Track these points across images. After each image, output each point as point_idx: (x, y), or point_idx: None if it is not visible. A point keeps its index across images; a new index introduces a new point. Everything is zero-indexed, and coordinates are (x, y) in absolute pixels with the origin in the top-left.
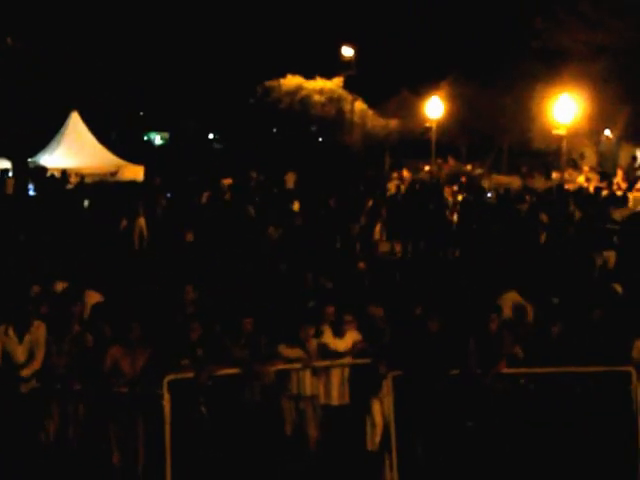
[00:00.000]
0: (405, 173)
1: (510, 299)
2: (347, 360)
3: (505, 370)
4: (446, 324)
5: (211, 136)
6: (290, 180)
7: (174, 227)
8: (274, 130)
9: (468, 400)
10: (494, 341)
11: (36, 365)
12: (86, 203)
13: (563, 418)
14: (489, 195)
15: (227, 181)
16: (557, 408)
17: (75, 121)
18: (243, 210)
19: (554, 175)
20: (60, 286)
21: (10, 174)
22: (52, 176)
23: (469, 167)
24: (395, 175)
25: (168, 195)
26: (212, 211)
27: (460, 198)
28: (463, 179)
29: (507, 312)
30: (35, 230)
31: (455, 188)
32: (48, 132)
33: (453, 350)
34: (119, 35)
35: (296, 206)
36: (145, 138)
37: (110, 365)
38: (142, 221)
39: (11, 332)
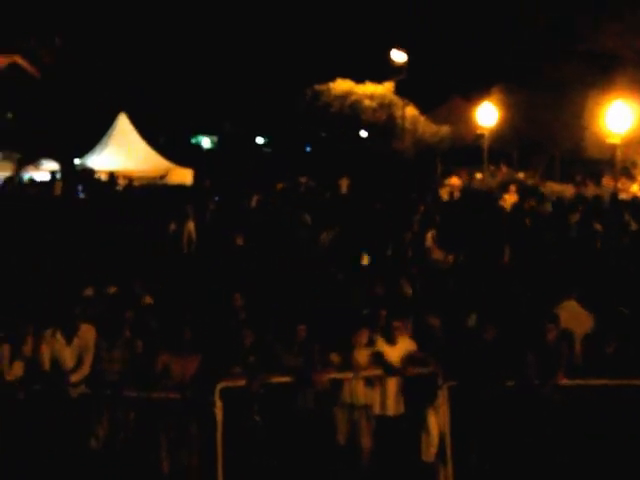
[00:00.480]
0: (455, 180)
1: (569, 308)
2: (401, 369)
3: (564, 382)
4: (502, 333)
5: (261, 141)
6: (344, 185)
7: (223, 231)
8: (323, 135)
9: (525, 411)
10: (552, 351)
11: (85, 370)
12: (134, 206)
13: (623, 431)
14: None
15: (279, 185)
16: (617, 421)
17: (123, 123)
18: (295, 215)
19: (605, 182)
20: (111, 290)
21: (58, 176)
22: (100, 179)
23: (522, 175)
24: (447, 182)
25: (217, 199)
26: (262, 215)
27: (516, 204)
28: (515, 187)
29: (565, 321)
30: (83, 232)
31: (511, 195)
32: (96, 134)
33: (510, 360)
34: (169, 37)
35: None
36: (193, 141)
37: (160, 371)
38: (191, 225)
39: (59, 335)
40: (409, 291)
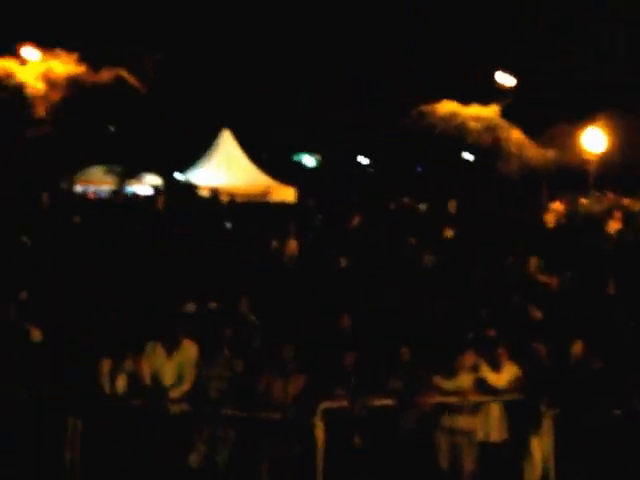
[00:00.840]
0: (559, 205)
1: None
2: (506, 396)
3: None
4: (607, 362)
5: (364, 160)
6: (452, 208)
7: (326, 250)
8: (427, 156)
9: (631, 440)
10: None
11: (185, 386)
12: (235, 222)
13: None
14: None
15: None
16: None
17: (227, 139)
18: (398, 236)
19: None
20: (212, 306)
21: (161, 190)
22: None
23: (627, 201)
24: (551, 206)
25: (320, 217)
26: (364, 235)
27: (620, 231)
28: (619, 213)
29: None
30: (186, 247)
31: (615, 221)
32: (199, 149)
33: (615, 388)
34: (274, 55)
35: (449, 233)
36: (295, 159)
37: (262, 391)
38: (293, 243)
39: (160, 350)
40: (538, 315)
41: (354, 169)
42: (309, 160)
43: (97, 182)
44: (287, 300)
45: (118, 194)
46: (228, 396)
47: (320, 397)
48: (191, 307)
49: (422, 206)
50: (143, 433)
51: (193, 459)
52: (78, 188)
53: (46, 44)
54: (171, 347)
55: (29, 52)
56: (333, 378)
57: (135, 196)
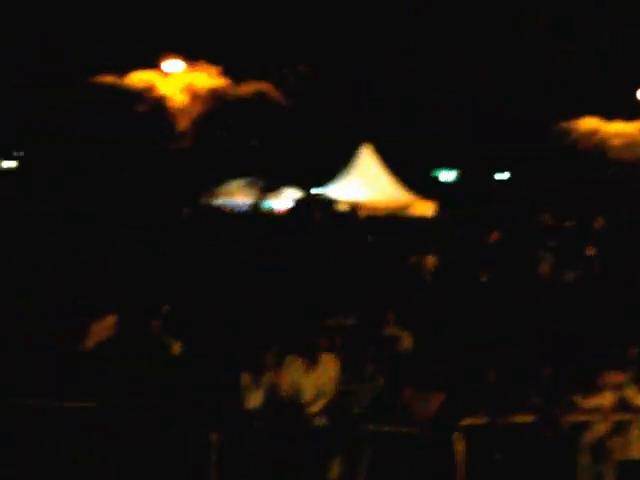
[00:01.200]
0: None
1: None
2: None
3: None
4: None
5: (502, 176)
6: (598, 224)
7: (467, 266)
8: (569, 172)
9: None
10: None
11: (324, 401)
12: (374, 237)
13: None
14: None
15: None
16: None
17: (366, 153)
18: (536, 252)
19: None
20: (352, 321)
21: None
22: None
23: None
24: None
25: (459, 233)
26: (502, 252)
27: None
28: None
29: None
30: (323, 261)
31: None
32: (338, 163)
33: None
34: (411, 72)
35: (590, 251)
36: (433, 174)
37: (403, 406)
38: (432, 258)
39: (300, 364)
40: None
41: (493, 184)
42: (448, 175)
43: (237, 195)
44: (427, 315)
45: (256, 207)
46: (369, 412)
47: (461, 413)
48: (331, 322)
49: (567, 223)
50: (282, 448)
51: (331, 474)
52: (218, 201)
53: (189, 56)
54: (311, 362)
55: (172, 64)
56: (474, 394)
57: (274, 210)
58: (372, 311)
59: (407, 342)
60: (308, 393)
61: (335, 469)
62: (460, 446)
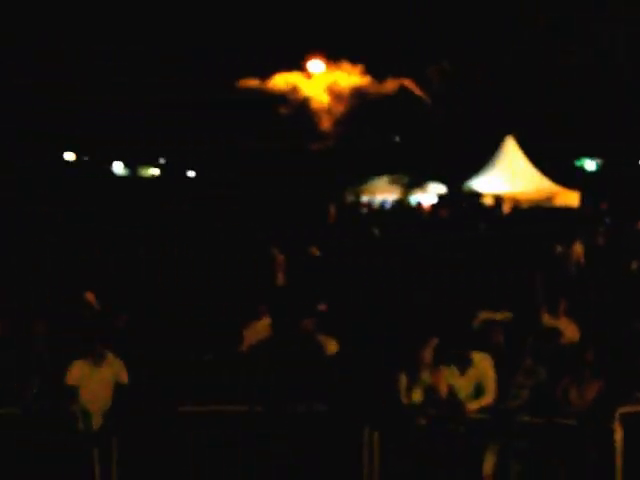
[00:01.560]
0: None
1: None
2: None
3: None
4: None
5: None
6: None
7: (615, 255)
8: None
9: None
10: None
11: (487, 400)
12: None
13: None
14: None
15: None
16: None
17: (510, 146)
18: None
19: None
20: (502, 316)
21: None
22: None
23: None
24: None
25: (607, 221)
26: None
27: None
28: None
29: None
30: (469, 255)
31: None
32: (482, 156)
33: None
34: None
35: None
36: (577, 164)
37: (560, 397)
38: (579, 247)
39: (454, 368)
40: None
41: (636, 172)
42: (590, 164)
43: (382, 192)
44: (576, 304)
45: (402, 203)
46: (527, 404)
47: (619, 401)
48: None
49: None
50: (439, 442)
51: (487, 467)
52: (363, 199)
53: (331, 56)
54: (463, 366)
55: (315, 65)
56: (631, 381)
57: (420, 205)
58: (524, 304)
59: (571, 333)
60: (464, 391)
61: (490, 462)
62: (619, 435)
